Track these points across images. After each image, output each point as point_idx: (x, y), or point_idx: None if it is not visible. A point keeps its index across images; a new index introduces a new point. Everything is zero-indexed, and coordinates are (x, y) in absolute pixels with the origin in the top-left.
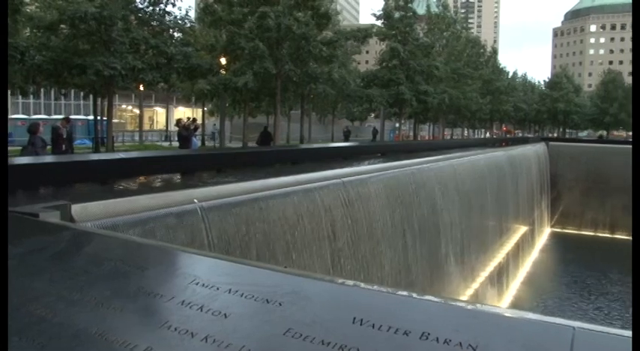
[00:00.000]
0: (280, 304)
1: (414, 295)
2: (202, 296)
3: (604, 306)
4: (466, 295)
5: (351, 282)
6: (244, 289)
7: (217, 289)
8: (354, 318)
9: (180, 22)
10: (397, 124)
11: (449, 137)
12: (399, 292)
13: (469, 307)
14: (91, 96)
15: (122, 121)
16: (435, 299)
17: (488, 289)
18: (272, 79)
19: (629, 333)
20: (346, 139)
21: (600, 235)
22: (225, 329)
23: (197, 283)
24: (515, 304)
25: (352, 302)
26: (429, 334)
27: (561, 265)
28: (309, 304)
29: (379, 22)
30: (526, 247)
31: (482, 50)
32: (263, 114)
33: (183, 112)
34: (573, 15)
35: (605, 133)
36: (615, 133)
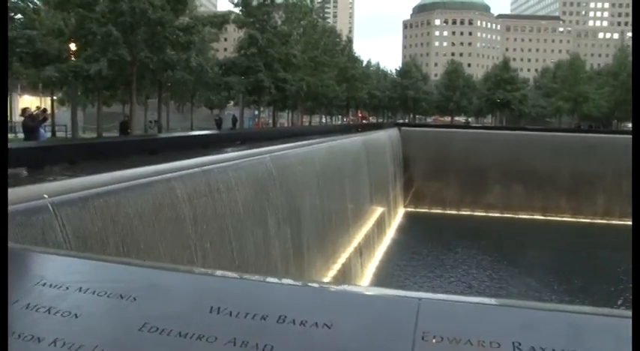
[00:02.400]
0: (135, 299)
1: (271, 279)
2: (50, 297)
3: (451, 275)
4: (328, 276)
5: (207, 271)
6: (97, 286)
7: (67, 288)
8: (212, 307)
9: (21, 2)
10: (256, 112)
11: (307, 124)
12: (256, 278)
13: (324, 287)
14: None
15: None
16: (291, 282)
17: (350, 267)
18: (127, 67)
19: (470, 298)
20: (219, 128)
21: (448, 212)
22: (76, 330)
23: (44, 284)
24: (375, 279)
25: (209, 291)
26: (285, 317)
27: (414, 241)
28: (165, 297)
29: (237, 10)
30: (383, 227)
31: (338, 39)
32: (119, 103)
33: (30, 102)
34: (420, 9)
35: (470, 119)
36: (457, 118)
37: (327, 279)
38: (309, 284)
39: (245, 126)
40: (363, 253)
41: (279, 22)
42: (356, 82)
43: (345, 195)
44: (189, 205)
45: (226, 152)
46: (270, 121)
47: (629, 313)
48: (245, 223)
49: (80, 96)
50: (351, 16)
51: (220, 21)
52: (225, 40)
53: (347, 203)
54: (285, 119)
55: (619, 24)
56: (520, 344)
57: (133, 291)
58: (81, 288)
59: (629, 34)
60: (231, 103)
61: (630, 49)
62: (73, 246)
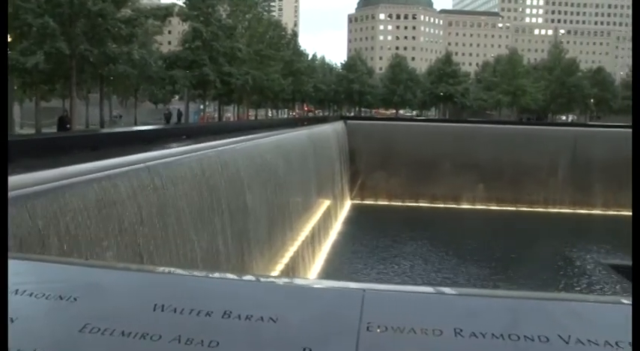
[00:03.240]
0: (75, 300)
1: (215, 274)
2: None
3: (397, 265)
4: (277, 270)
5: (151, 268)
6: (34, 288)
7: None
8: (155, 304)
9: None
10: (202, 106)
11: (253, 118)
12: (200, 274)
13: (269, 281)
14: None
15: None
16: (236, 277)
17: (299, 260)
18: (66, 60)
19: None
20: (167, 122)
21: (394, 203)
22: (13, 335)
23: None
24: (322, 272)
25: (153, 288)
26: (230, 312)
27: (361, 233)
28: (107, 296)
29: (181, 2)
30: (330, 219)
31: (283, 33)
32: (58, 97)
33: None
34: (365, 3)
35: (414, 112)
36: (402, 111)
37: (275, 273)
38: (255, 278)
39: (190, 120)
40: (311, 246)
41: (224, 16)
42: (302, 76)
43: (292, 188)
44: (134, 202)
45: (171, 147)
46: (216, 115)
47: (563, 294)
48: (191, 219)
49: (16, 90)
50: (296, 9)
51: (164, 13)
52: (170, 33)
53: (294, 197)
54: (230, 113)
55: (552, 21)
56: (461, 330)
57: (73, 291)
58: (17, 290)
59: (562, 31)
60: (176, 97)
61: (564, 45)
62: (11, 248)
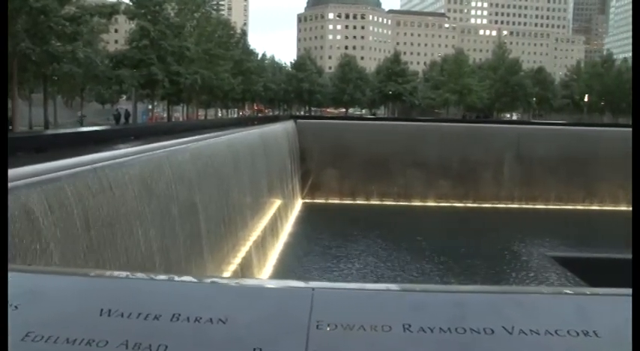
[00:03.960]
0: (17, 307)
1: (163, 277)
2: None
3: (348, 264)
4: (229, 270)
5: (97, 272)
6: None
7: None
8: (102, 309)
9: None
10: (150, 106)
11: (203, 118)
12: (148, 277)
13: (218, 283)
14: None
15: None
16: (185, 279)
17: (251, 261)
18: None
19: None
20: (117, 122)
21: (345, 202)
22: None
23: None
24: (274, 272)
25: (99, 293)
26: (179, 315)
27: (312, 232)
28: (50, 303)
29: (127, 0)
30: (281, 219)
31: (232, 32)
32: None
33: None
34: (315, 2)
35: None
36: (351, 110)
37: (227, 274)
38: (204, 280)
39: (138, 121)
40: (263, 246)
41: (172, 14)
42: (251, 75)
43: (243, 188)
44: (81, 205)
45: (120, 148)
46: (165, 115)
47: (508, 287)
48: (140, 222)
49: None
50: (245, 9)
51: (109, 11)
52: (116, 31)
53: (245, 197)
54: (180, 113)
55: (496, 22)
56: (410, 326)
57: (13, 299)
58: None
59: (505, 32)
60: (124, 97)
61: (507, 45)
62: None
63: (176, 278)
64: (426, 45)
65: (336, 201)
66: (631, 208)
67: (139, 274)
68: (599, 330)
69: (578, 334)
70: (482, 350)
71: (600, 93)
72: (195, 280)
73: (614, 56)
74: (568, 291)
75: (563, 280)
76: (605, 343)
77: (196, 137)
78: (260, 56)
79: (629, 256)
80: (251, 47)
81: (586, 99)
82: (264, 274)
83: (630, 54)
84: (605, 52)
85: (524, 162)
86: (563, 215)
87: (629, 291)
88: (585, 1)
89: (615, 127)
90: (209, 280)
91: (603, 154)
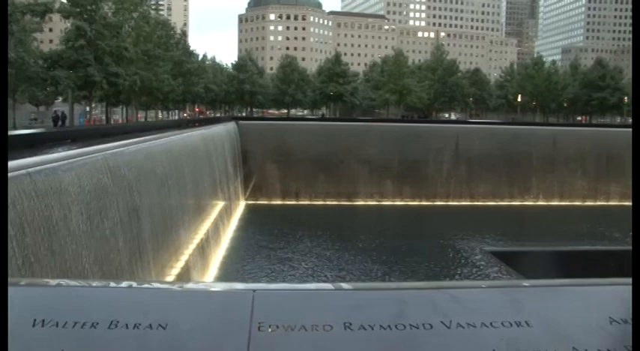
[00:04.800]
0: None
1: (98, 283)
2: None
3: (292, 265)
4: (172, 274)
5: (28, 281)
6: None
7: None
8: (35, 320)
9: None
10: (88, 108)
11: (143, 120)
12: (83, 284)
13: (158, 287)
14: None
15: None
16: (122, 285)
17: (195, 264)
18: None
19: (304, 285)
20: (55, 125)
21: (288, 202)
22: None
23: None
24: (219, 274)
25: (32, 303)
26: (117, 321)
27: (255, 233)
28: None
29: None
30: (224, 221)
31: (172, 32)
32: None
33: None
34: (256, 3)
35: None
36: (293, 111)
37: (171, 278)
38: (142, 285)
39: (75, 123)
40: (206, 248)
41: (109, 14)
42: (192, 77)
43: (184, 191)
44: (13, 212)
45: (56, 152)
46: (104, 117)
47: (446, 283)
48: (78, 228)
49: None
50: (185, 9)
51: (42, 9)
52: (51, 30)
53: (187, 199)
54: (119, 115)
55: (434, 25)
56: (351, 324)
57: None
58: None
59: (443, 34)
60: (60, 99)
61: (445, 47)
62: None
63: (112, 284)
64: (366, 46)
65: (279, 202)
66: (564, 202)
67: (74, 281)
68: (531, 320)
69: (511, 324)
70: (421, 345)
71: (532, 93)
72: (133, 285)
73: (544, 59)
74: (503, 284)
75: (500, 274)
76: (536, 332)
77: (135, 140)
78: (201, 57)
79: (563, 248)
80: (191, 48)
81: (519, 99)
82: (207, 277)
83: (559, 56)
84: (535, 55)
85: (463, 160)
86: (501, 211)
87: (561, 281)
88: (517, 6)
89: (546, 126)
90: (148, 285)
91: (536, 152)
